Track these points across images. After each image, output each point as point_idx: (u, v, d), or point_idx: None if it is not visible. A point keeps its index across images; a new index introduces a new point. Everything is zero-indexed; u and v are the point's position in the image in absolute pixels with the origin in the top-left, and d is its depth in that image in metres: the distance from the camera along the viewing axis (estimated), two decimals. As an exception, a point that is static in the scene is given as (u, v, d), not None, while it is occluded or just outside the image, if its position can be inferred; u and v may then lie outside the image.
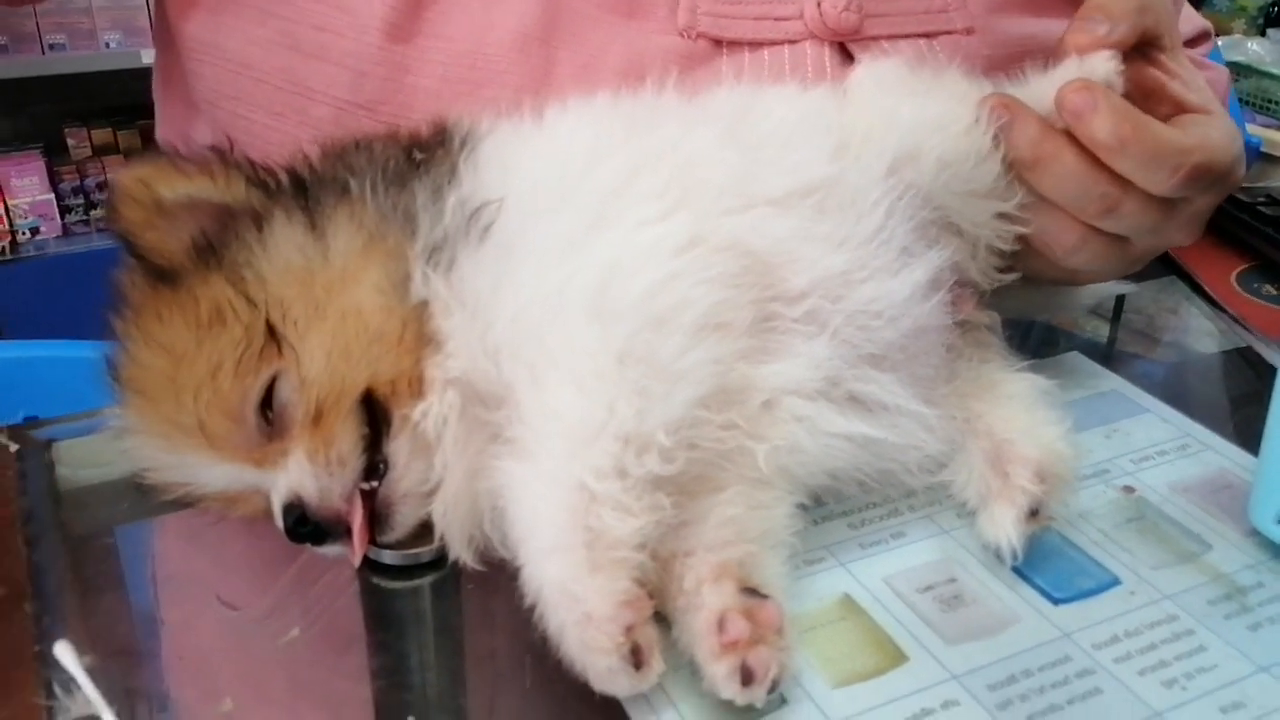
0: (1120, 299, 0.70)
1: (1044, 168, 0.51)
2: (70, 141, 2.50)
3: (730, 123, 0.49)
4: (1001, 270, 0.56)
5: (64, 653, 0.40)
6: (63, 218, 2.45)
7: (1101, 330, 0.70)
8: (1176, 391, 0.62)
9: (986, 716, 0.40)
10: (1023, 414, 0.51)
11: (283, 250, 0.45)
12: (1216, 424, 0.58)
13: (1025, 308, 0.63)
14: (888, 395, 0.47)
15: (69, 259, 2.37)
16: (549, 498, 0.40)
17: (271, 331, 0.44)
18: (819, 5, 0.61)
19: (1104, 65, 0.52)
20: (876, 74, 0.55)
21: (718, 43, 0.61)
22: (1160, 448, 0.56)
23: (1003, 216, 0.53)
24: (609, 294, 0.43)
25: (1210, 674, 0.42)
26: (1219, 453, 0.55)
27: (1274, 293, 0.69)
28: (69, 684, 0.39)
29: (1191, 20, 0.82)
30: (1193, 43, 0.82)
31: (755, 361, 0.45)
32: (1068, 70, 0.52)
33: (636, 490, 0.40)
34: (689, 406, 0.42)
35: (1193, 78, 0.57)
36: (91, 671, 0.40)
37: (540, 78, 0.59)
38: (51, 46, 2.28)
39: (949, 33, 0.64)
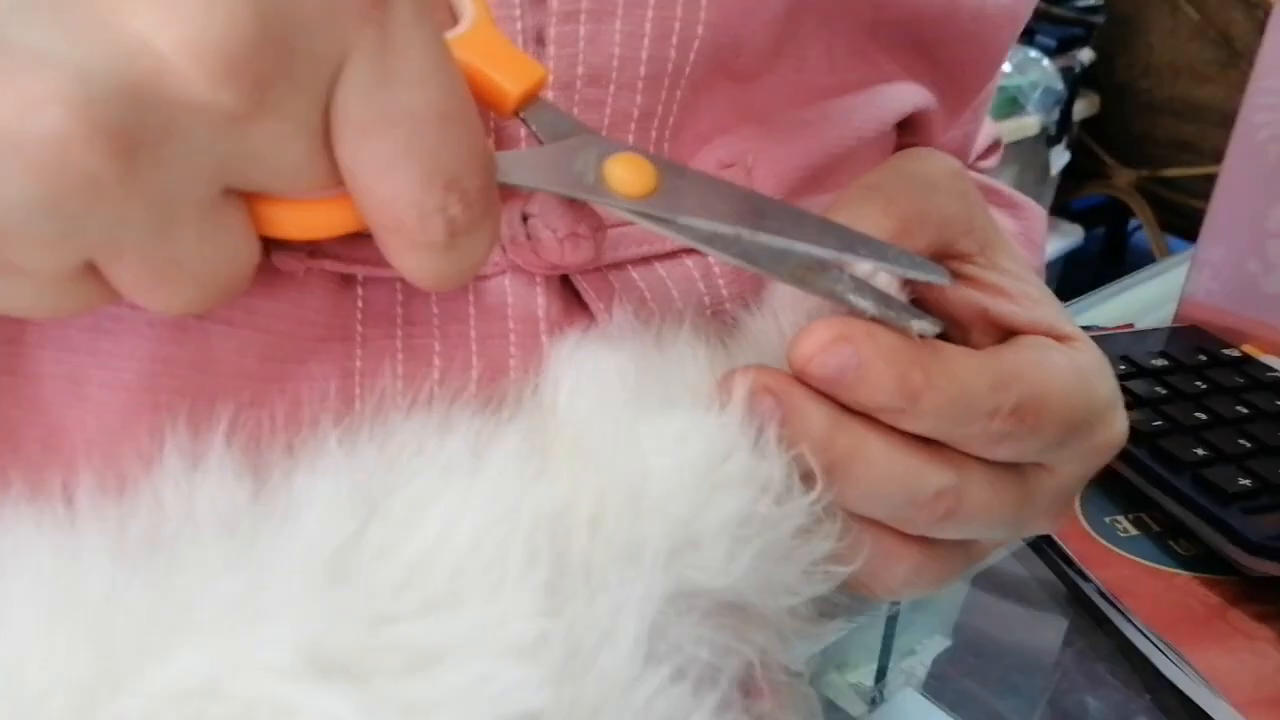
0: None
1: (844, 471, 0.30)
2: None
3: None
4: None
5: None
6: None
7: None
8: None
9: None
10: None
11: None
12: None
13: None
14: None
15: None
16: None
17: None
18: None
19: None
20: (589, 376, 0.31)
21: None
22: None
23: (811, 568, 0.31)
24: None
25: None
26: None
27: (1132, 532, 0.51)
28: None
29: (983, 130, 0.65)
30: (983, 155, 0.65)
31: None
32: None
33: None
34: None
35: (1023, 287, 0.38)
36: None
37: None
38: None
39: None
